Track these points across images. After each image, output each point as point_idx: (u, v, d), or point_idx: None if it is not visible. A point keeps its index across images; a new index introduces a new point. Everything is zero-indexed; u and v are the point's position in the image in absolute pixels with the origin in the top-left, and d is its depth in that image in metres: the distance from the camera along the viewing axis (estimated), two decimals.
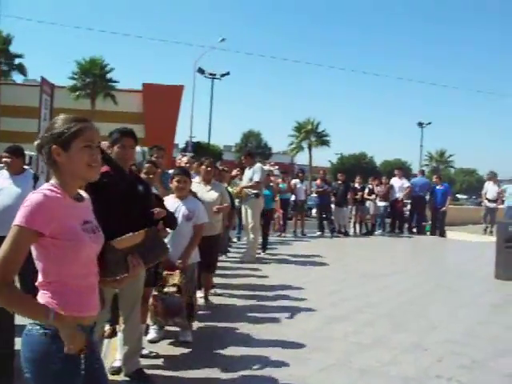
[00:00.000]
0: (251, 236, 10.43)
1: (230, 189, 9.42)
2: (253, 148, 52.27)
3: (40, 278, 2.13)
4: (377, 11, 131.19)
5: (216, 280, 7.59)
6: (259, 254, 11.06)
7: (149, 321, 5.24)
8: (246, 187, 10.32)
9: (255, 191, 10.30)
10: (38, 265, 2.11)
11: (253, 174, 10.37)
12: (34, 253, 2.09)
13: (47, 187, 2.11)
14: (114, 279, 2.40)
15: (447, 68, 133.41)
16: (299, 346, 5.29)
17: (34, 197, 2.03)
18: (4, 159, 5.58)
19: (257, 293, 7.52)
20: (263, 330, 5.75)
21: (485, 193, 17.37)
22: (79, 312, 2.15)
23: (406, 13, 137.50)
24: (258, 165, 10.62)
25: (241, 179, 11.48)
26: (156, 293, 4.98)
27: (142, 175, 4.90)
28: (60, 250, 2.06)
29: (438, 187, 16.78)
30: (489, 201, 17.10)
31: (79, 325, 2.13)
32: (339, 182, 16.37)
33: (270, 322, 6.11)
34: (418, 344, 5.47)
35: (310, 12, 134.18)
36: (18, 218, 1.99)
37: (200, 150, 34.17)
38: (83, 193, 2.30)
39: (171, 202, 5.27)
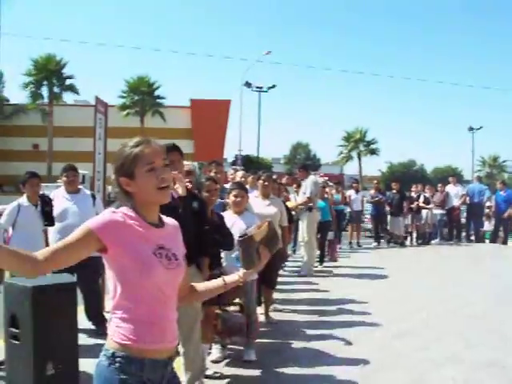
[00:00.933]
0: (308, 249, 10.28)
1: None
2: (302, 160, 52.02)
3: (111, 305, 2.07)
4: (421, 30, 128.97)
5: (274, 295, 7.44)
6: (316, 266, 10.88)
7: None
8: (298, 205, 10.22)
9: (308, 205, 10.17)
10: (111, 293, 2.06)
11: (305, 188, 10.26)
12: (110, 280, 2.06)
13: (121, 210, 2.07)
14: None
15: (497, 70, 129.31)
16: (366, 363, 5.10)
17: (106, 211, 2.05)
18: (64, 178, 5.83)
19: (318, 307, 7.36)
20: (327, 347, 5.58)
21: None
22: (150, 344, 2.02)
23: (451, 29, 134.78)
24: (310, 178, 10.47)
25: (296, 190, 11.41)
26: (216, 311, 4.88)
27: (204, 193, 4.80)
28: (129, 274, 1.99)
29: (500, 193, 16.19)
30: None
31: (151, 359, 2.02)
32: (394, 191, 16.06)
33: (334, 338, 5.94)
34: (493, 361, 5.19)
35: (352, 22, 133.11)
36: (88, 221, 2.00)
37: (249, 164, 34.22)
38: (168, 219, 2.24)
39: (228, 218, 5.19)
